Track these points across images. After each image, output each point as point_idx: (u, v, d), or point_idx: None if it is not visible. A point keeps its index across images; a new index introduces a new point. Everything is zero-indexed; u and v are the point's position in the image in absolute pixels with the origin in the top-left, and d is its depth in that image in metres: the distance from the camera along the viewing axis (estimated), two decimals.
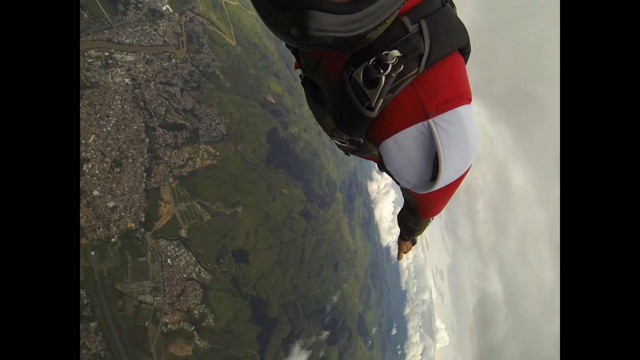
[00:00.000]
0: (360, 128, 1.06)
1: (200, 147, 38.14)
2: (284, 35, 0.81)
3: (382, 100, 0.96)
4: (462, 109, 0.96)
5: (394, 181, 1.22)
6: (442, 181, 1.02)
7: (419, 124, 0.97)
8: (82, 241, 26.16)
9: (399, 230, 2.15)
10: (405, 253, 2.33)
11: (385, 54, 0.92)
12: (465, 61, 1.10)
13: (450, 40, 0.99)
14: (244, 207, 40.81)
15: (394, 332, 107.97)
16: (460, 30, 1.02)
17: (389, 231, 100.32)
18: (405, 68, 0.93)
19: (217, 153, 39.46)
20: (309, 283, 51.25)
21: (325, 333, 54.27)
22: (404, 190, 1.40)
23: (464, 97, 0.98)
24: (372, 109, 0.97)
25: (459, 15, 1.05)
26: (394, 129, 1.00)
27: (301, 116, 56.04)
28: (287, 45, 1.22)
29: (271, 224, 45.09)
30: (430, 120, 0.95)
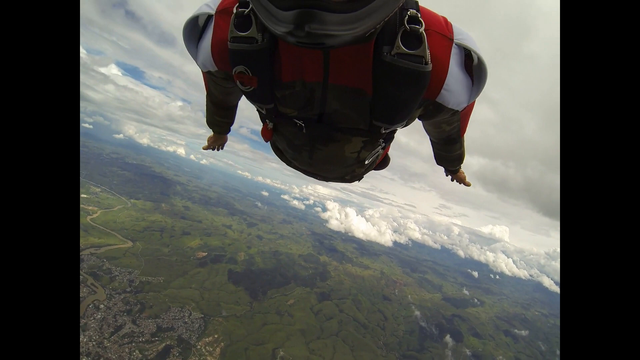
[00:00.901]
0: (422, 90, 1.10)
1: (198, 344, 41.61)
2: (285, 34, 0.82)
3: (428, 51, 1.05)
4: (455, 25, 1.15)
5: (435, 128, 1.66)
6: (483, 76, 1.21)
7: (452, 48, 1.12)
8: None
9: (446, 170, 2.40)
10: (465, 179, 2.46)
11: (408, 16, 1.04)
12: None
13: None
14: None
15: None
16: None
17: None
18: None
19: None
20: None
21: None
22: (449, 126, 1.61)
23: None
24: (428, 63, 1.04)
25: None
26: (442, 64, 1.11)
27: None
28: (259, 100, 1.28)
29: None
30: (455, 39, 1.12)
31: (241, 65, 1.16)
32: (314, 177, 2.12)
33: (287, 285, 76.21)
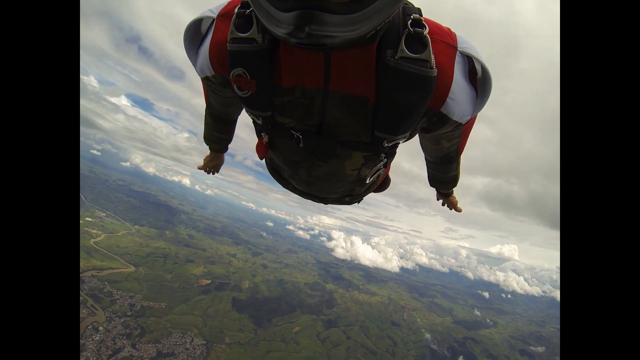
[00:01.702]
0: (428, 96, 1.06)
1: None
2: (286, 36, 0.82)
3: (432, 55, 1.01)
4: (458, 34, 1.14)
5: (432, 145, 1.61)
6: (488, 86, 1.18)
7: (457, 56, 1.09)
8: None
9: (438, 193, 2.35)
10: (457, 205, 2.40)
11: (411, 20, 1.02)
12: None
13: None
14: None
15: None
16: None
17: None
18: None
19: None
20: None
21: None
22: (449, 142, 1.55)
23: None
24: (433, 68, 1.02)
25: None
26: (447, 72, 1.08)
27: None
28: (257, 112, 1.24)
29: None
30: (459, 48, 1.09)
31: (239, 67, 1.11)
32: (313, 199, 2.00)
33: (292, 312, 73.99)
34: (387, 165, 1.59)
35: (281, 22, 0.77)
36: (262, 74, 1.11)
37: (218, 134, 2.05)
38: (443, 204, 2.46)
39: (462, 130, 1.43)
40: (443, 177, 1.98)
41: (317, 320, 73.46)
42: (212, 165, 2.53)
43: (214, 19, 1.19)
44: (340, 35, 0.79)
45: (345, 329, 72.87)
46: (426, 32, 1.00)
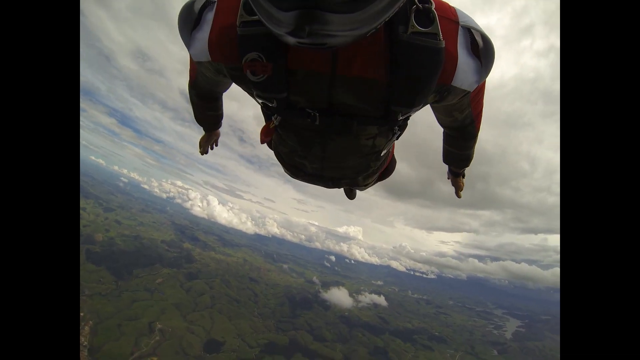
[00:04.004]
0: (439, 67, 1.09)
1: None
2: (286, 35, 0.80)
3: (440, 29, 1.05)
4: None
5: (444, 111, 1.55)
6: (491, 56, 1.20)
7: (459, 30, 1.13)
8: None
9: (449, 171, 2.30)
10: (461, 189, 2.39)
11: None
12: None
13: None
14: None
15: None
16: None
17: None
18: None
19: None
20: None
21: None
22: (461, 114, 1.55)
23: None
24: (442, 40, 1.05)
25: None
26: (452, 45, 1.11)
27: None
28: (271, 91, 1.17)
29: None
30: (460, 22, 1.12)
31: (254, 51, 1.07)
32: (325, 183, 1.97)
33: (153, 265, 73.03)
34: (399, 137, 1.61)
35: (281, 22, 0.75)
36: (280, 56, 1.08)
37: (211, 112, 2.03)
38: (452, 183, 2.43)
39: (471, 100, 1.45)
40: (458, 153, 1.99)
41: (179, 273, 74.79)
42: (212, 143, 2.49)
43: (214, 2, 1.15)
44: (341, 34, 0.78)
45: (207, 281, 76.54)
46: (433, 7, 1.04)
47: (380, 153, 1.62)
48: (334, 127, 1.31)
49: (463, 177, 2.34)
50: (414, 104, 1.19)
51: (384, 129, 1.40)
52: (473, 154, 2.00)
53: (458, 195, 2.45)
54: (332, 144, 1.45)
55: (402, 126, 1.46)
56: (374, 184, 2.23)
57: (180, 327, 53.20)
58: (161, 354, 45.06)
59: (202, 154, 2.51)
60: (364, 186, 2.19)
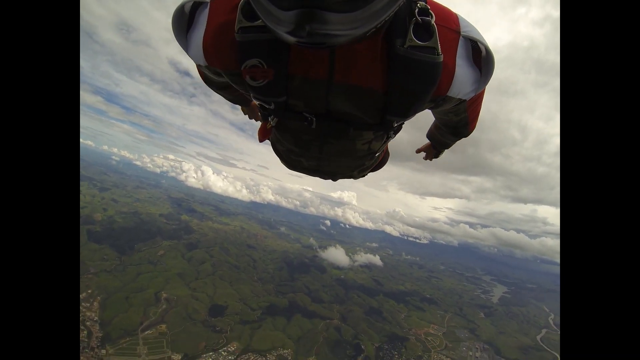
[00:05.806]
0: (436, 81, 1.08)
1: None
2: (286, 34, 0.79)
3: (439, 43, 1.04)
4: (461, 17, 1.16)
5: (442, 117, 1.63)
6: (491, 67, 1.19)
7: (460, 40, 1.12)
8: None
9: (432, 140, 2.30)
10: (426, 159, 2.50)
11: (419, 8, 1.02)
12: None
13: None
14: None
15: None
16: None
17: None
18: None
19: None
20: None
21: None
22: (457, 117, 1.60)
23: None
24: (440, 54, 1.04)
25: None
26: (451, 57, 1.10)
27: None
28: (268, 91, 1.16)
29: None
30: (462, 32, 1.12)
31: (254, 58, 1.06)
32: (322, 176, 2.01)
33: (153, 239, 75.15)
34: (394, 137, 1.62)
35: (281, 21, 0.75)
36: (281, 61, 1.08)
37: (237, 93, 1.95)
38: (424, 149, 2.51)
39: (468, 106, 1.47)
40: (443, 140, 2.12)
41: (179, 244, 77.12)
42: (255, 113, 2.48)
43: (207, 3, 1.13)
44: (341, 33, 0.77)
45: (207, 250, 79.12)
46: (433, 21, 1.02)
47: (376, 154, 1.67)
48: (331, 131, 1.35)
49: (436, 156, 2.49)
50: (408, 115, 1.21)
51: (379, 134, 1.44)
52: (448, 147, 2.23)
53: (418, 151, 2.58)
54: (329, 147, 1.49)
55: (397, 130, 1.49)
56: (368, 173, 2.31)
57: (185, 294, 56.06)
58: (169, 321, 47.75)
59: (255, 120, 2.54)
60: (359, 178, 2.22)
